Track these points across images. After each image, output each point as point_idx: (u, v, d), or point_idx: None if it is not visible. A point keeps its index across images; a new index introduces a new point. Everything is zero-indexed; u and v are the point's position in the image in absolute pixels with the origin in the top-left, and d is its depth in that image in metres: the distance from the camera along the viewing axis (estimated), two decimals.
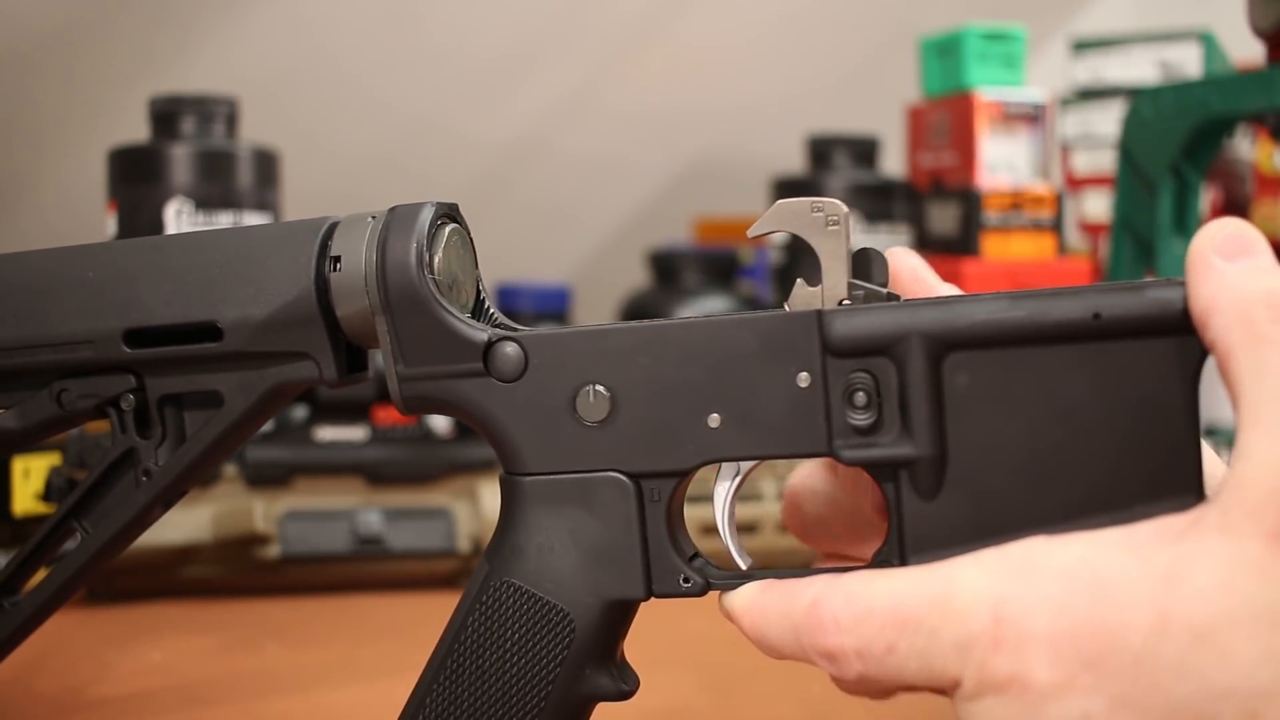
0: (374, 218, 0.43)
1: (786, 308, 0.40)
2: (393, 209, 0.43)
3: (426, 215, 0.43)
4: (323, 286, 0.43)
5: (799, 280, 0.40)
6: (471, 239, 0.46)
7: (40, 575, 0.50)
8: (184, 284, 0.45)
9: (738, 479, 0.42)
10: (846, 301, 0.40)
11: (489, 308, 0.45)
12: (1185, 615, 0.33)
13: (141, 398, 0.46)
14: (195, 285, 0.45)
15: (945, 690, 0.36)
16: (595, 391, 0.41)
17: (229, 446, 0.47)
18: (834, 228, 0.40)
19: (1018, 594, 0.35)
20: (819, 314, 0.39)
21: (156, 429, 0.47)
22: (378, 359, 0.47)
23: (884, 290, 0.40)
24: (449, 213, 0.44)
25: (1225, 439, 0.83)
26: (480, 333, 0.42)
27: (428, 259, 0.42)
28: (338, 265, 0.43)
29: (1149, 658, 0.33)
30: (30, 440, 0.50)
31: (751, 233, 0.42)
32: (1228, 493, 0.34)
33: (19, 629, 0.49)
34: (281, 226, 0.45)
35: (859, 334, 0.39)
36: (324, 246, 0.44)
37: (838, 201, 0.40)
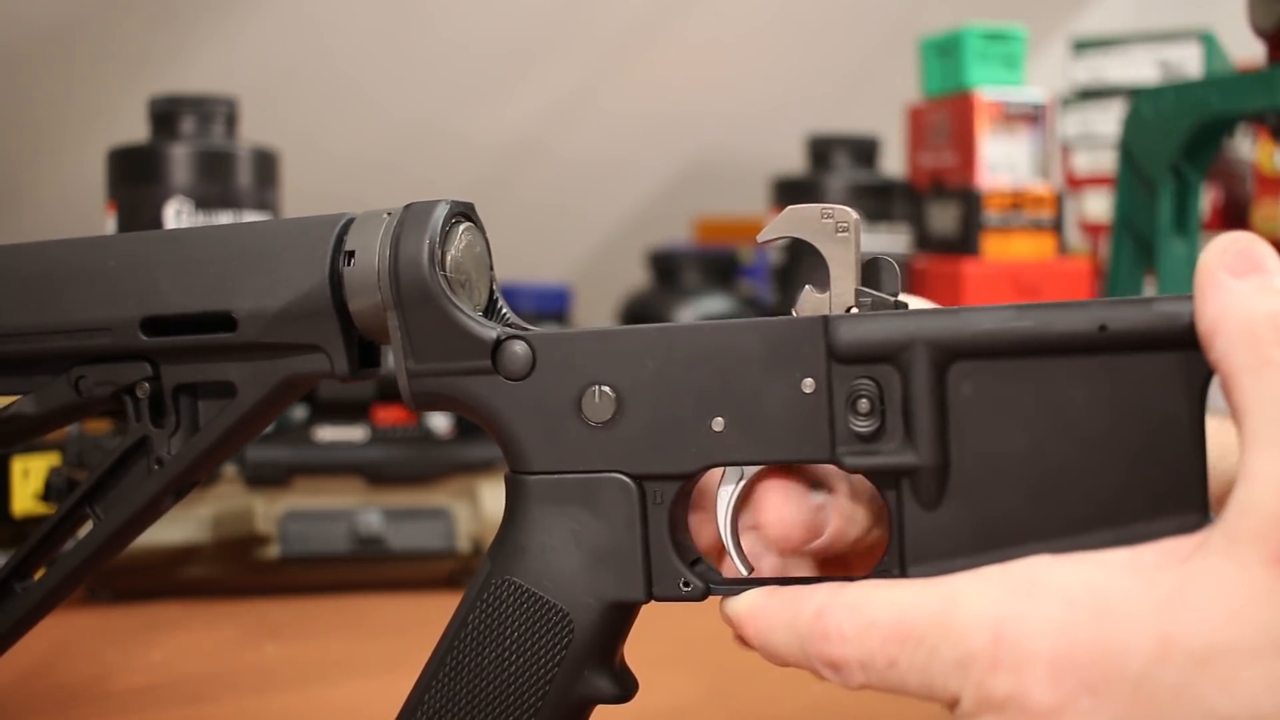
0: (389, 214, 0.44)
1: (794, 313, 0.40)
2: (408, 206, 0.44)
3: (440, 213, 0.43)
4: (336, 281, 0.44)
5: (807, 286, 0.40)
6: (486, 238, 0.46)
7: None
8: (201, 274, 0.46)
9: (741, 483, 0.42)
10: (854, 309, 0.40)
11: (501, 307, 0.45)
12: (1187, 641, 0.32)
13: (157, 386, 0.47)
14: (212, 276, 0.45)
15: (946, 706, 0.36)
16: (601, 392, 0.41)
17: (241, 438, 0.48)
18: (844, 234, 0.40)
19: (1019, 614, 0.34)
20: (825, 320, 0.39)
21: (170, 418, 0.47)
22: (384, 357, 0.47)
23: (892, 299, 0.40)
24: (464, 211, 0.45)
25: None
26: (490, 330, 0.43)
27: (440, 256, 0.43)
28: (351, 260, 0.44)
29: (1149, 683, 0.33)
30: (46, 427, 0.50)
31: (762, 238, 0.42)
32: (1232, 517, 0.33)
33: (30, 613, 0.50)
34: (299, 221, 0.46)
35: (864, 341, 0.39)
36: (339, 241, 0.44)
37: (848, 208, 0.40)
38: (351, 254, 0.44)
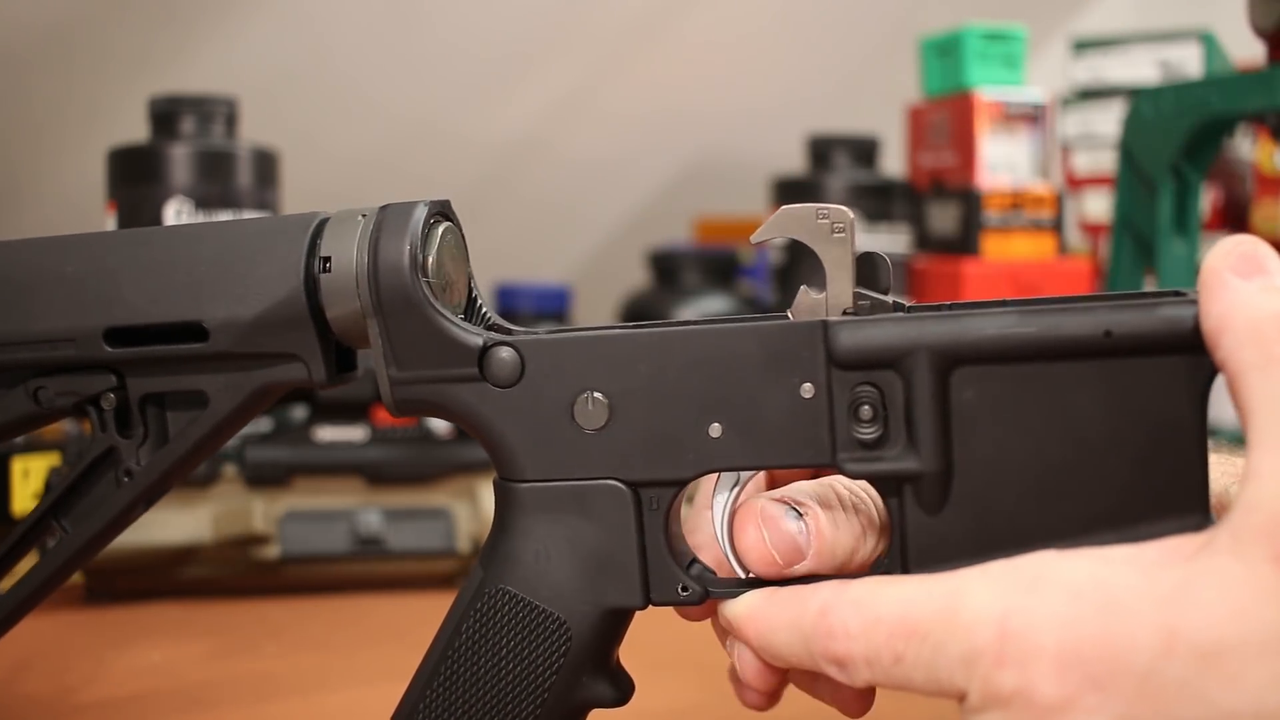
0: (364, 215, 0.42)
1: (790, 315, 0.40)
2: (384, 207, 0.42)
3: (420, 215, 0.42)
4: (312, 288, 0.42)
5: (803, 287, 0.40)
6: (464, 236, 0.44)
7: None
8: (169, 281, 0.44)
9: (737, 488, 0.41)
10: (851, 310, 0.39)
11: (481, 306, 0.44)
12: (1193, 636, 0.32)
13: (123, 396, 0.45)
14: (180, 283, 0.43)
15: (955, 701, 0.36)
16: (593, 399, 0.40)
17: (212, 446, 0.46)
18: (839, 235, 0.39)
19: (1025, 608, 0.34)
20: (824, 325, 0.39)
21: (138, 429, 0.45)
22: (368, 358, 0.46)
23: (889, 299, 0.40)
24: (442, 210, 0.43)
25: (1224, 438, 0.83)
26: (475, 337, 0.41)
27: (421, 261, 0.41)
28: (328, 266, 0.42)
29: (1155, 678, 0.33)
30: (6, 437, 0.49)
31: (755, 239, 0.41)
32: (1238, 515, 0.33)
33: None
34: (269, 222, 0.44)
35: (865, 347, 0.38)
36: (313, 245, 0.42)
37: (843, 208, 0.40)
38: (327, 260, 0.42)
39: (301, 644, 0.73)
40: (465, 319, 0.43)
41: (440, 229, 0.43)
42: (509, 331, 0.42)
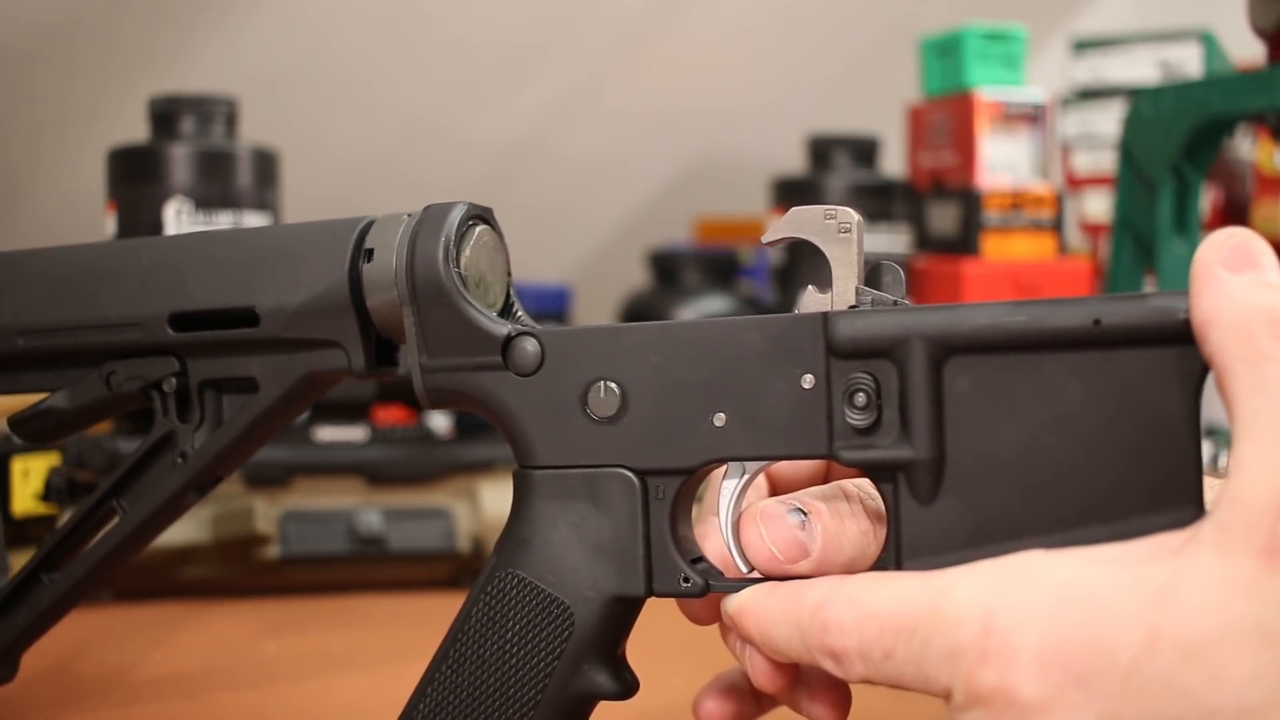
0: (410, 215, 0.45)
1: (797, 312, 0.41)
2: (427, 207, 0.45)
3: (457, 214, 0.44)
4: (355, 278, 0.45)
5: (810, 286, 0.41)
6: (504, 243, 0.47)
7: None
8: (228, 272, 0.47)
9: (744, 479, 0.42)
10: (855, 308, 0.40)
11: (516, 310, 0.47)
12: (1176, 633, 0.32)
13: (183, 381, 0.49)
14: (238, 273, 0.47)
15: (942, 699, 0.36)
16: (606, 387, 0.42)
17: (263, 434, 0.49)
18: (845, 235, 0.41)
19: (1009, 606, 0.35)
20: (825, 316, 0.40)
21: (196, 413, 0.49)
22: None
23: (891, 297, 0.41)
24: (481, 214, 0.46)
25: (1225, 439, 0.83)
26: (501, 327, 0.44)
27: (455, 254, 0.44)
28: (370, 258, 0.45)
29: (1138, 675, 0.33)
30: (80, 422, 0.52)
31: (767, 239, 0.43)
32: (1222, 508, 0.33)
33: (57, 604, 0.51)
34: (324, 223, 0.47)
35: (861, 335, 0.39)
36: (360, 241, 0.46)
37: (850, 209, 0.41)
38: (371, 252, 0.45)
39: (301, 644, 0.73)
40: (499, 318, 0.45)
41: (477, 229, 0.45)
42: (534, 327, 0.44)
